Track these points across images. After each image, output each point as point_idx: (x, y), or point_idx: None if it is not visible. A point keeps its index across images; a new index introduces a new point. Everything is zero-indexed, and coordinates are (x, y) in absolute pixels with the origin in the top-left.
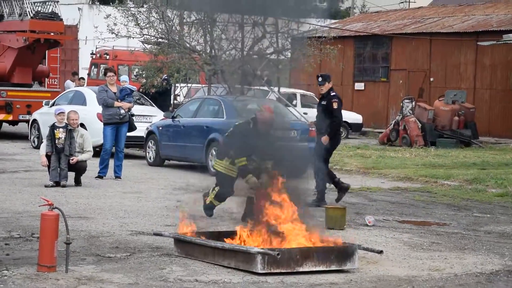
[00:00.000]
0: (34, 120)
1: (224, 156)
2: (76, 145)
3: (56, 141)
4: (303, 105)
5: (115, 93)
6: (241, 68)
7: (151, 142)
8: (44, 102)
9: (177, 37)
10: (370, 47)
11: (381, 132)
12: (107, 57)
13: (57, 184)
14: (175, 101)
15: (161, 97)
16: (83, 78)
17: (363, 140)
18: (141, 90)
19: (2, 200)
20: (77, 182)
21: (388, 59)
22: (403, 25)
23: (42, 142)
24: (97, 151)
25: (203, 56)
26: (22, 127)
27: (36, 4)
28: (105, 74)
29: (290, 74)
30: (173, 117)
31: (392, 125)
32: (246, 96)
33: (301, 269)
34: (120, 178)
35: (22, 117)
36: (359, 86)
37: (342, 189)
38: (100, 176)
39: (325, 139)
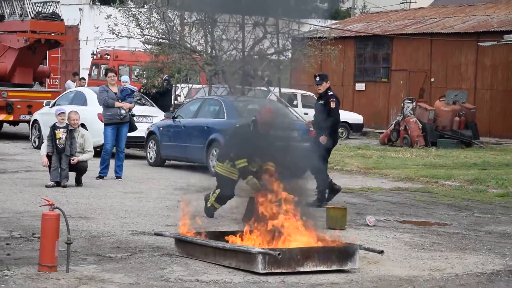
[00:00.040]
0: (35, 121)
1: (225, 158)
2: (76, 145)
3: (57, 141)
4: (303, 106)
5: (115, 93)
6: (242, 69)
7: (151, 142)
8: (45, 102)
9: (178, 38)
10: (370, 48)
11: (382, 133)
12: (108, 57)
13: (58, 184)
14: (175, 102)
15: (161, 98)
16: (83, 79)
17: (364, 141)
18: (141, 90)
19: (3, 200)
20: (78, 182)
21: (388, 60)
22: (403, 25)
23: (43, 142)
24: (98, 151)
25: (204, 56)
26: (23, 128)
27: (37, 4)
28: (105, 74)
29: (290, 74)
30: (173, 118)
31: (393, 125)
32: (246, 96)
33: (302, 269)
34: (121, 178)
35: (23, 117)
36: (360, 86)
37: (334, 190)
38: (101, 176)
39: (323, 139)
